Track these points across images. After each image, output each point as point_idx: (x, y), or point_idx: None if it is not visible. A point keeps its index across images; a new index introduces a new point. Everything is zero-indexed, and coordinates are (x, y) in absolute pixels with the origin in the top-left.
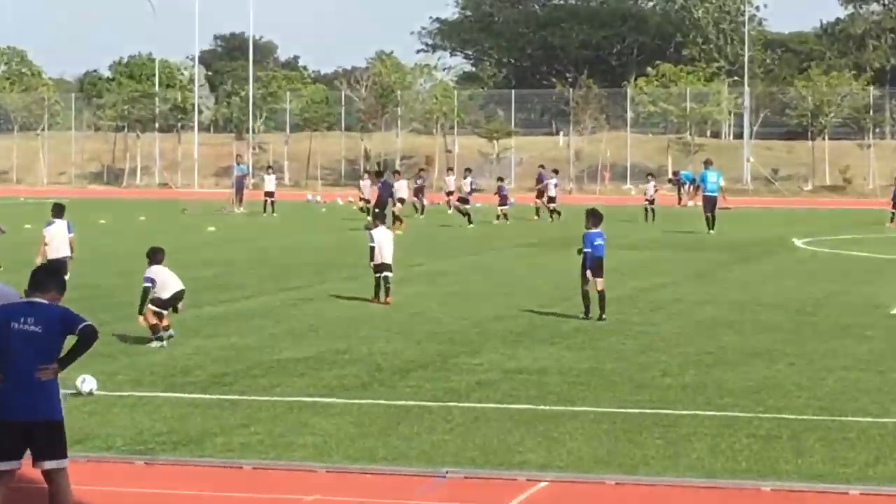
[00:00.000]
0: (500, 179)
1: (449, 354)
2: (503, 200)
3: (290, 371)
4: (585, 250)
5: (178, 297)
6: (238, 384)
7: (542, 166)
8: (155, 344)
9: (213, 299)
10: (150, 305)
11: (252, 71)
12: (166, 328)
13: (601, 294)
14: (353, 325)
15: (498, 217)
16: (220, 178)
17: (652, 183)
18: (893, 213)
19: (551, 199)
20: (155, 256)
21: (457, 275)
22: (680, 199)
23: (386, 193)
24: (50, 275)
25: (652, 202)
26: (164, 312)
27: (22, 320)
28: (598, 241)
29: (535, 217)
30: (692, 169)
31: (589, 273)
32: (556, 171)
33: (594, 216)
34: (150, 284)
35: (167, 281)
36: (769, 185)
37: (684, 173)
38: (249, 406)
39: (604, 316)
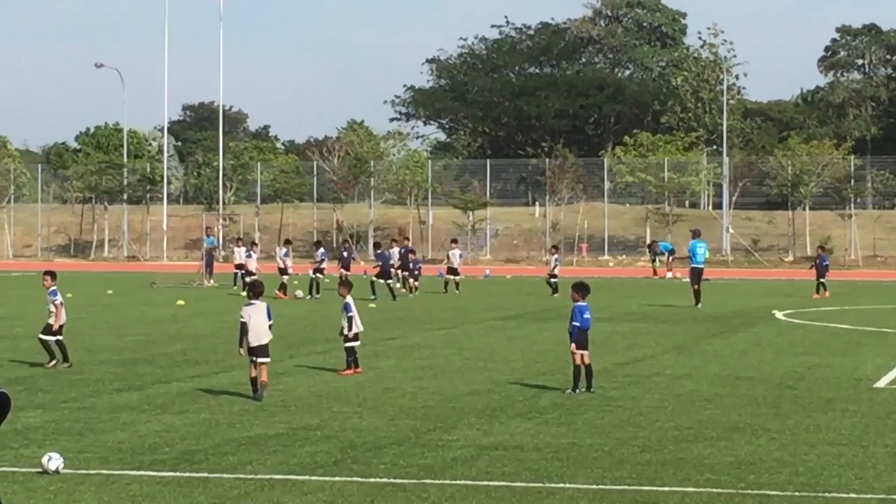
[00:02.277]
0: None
1: (423, 430)
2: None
3: (261, 448)
4: (575, 323)
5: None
6: (208, 461)
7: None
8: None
9: (182, 374)
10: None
11: (222, 141)
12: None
13: (588, 367)
14: (325, 401)
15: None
16: (189, 250)
17: (556, 255)
18: (819, 284)
19: (453, 271)
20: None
21: (431, 348)
22: (655, 270)
23: (386, 264)
24: None
25: (554, 276)
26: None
27: None
28: (587, 314)
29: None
30: (671, 240)
31: (574, 346)
32: (454, 241)
33: (583, 288)
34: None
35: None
36: (749, 256)
37: (663, 244)
38: (220, 484)
39: (592, 388)
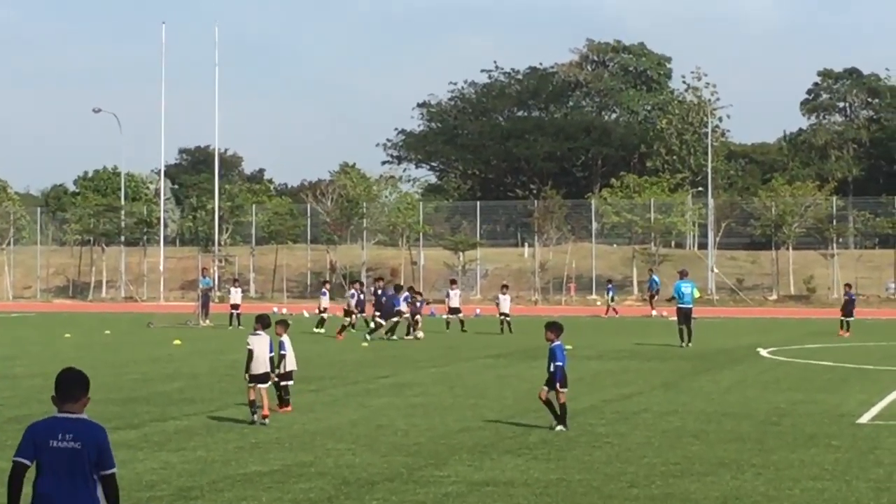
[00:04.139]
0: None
1: (415, 467)
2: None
3: (256, 484)
4: (559, 363)
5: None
6: (204, 498)
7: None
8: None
9: (178, 413)
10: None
11: (217, 184)
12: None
13: (564, 406)
14: (318, 438)
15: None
16: (185, 291)
17: (507, 296)
18: (843, 321)
19: (454, 310)
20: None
21: (423, 386)
22: (610, 309)
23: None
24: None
25: (507, 315)
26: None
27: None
28: (564, 353)
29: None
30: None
31: (559, 385)
32: (454, 282)
33: (558, 328)
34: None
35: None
36: (734, 295)
37: (654, 277)
38: None
39: (566, 427)
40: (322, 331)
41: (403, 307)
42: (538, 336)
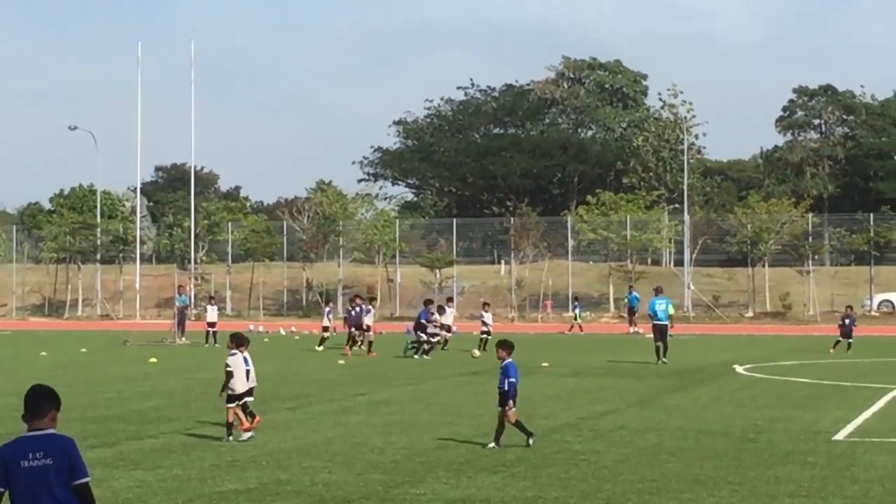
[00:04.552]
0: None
1: (391, 484)
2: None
3: (232, 503)
4: (512, 380)
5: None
6: None
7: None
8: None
9: (154, 431)
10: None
11: (194, 202)
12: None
13: (503, 424)
14: (295, 456)
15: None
16: (161, 308)
17: (489, 313)
18: (840, 341)
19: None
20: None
21: (399, 404)
22: (576, 326)
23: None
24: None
25: (488, 332)
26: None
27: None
28: (517, 371)
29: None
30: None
31: (511, 402)
32: (486, 304)
33: (509, 346)
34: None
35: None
36: (710, 312)
37: (634, 294)
38: None
39: (498, 445)
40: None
41: (369, 320)
42: (520, 354)
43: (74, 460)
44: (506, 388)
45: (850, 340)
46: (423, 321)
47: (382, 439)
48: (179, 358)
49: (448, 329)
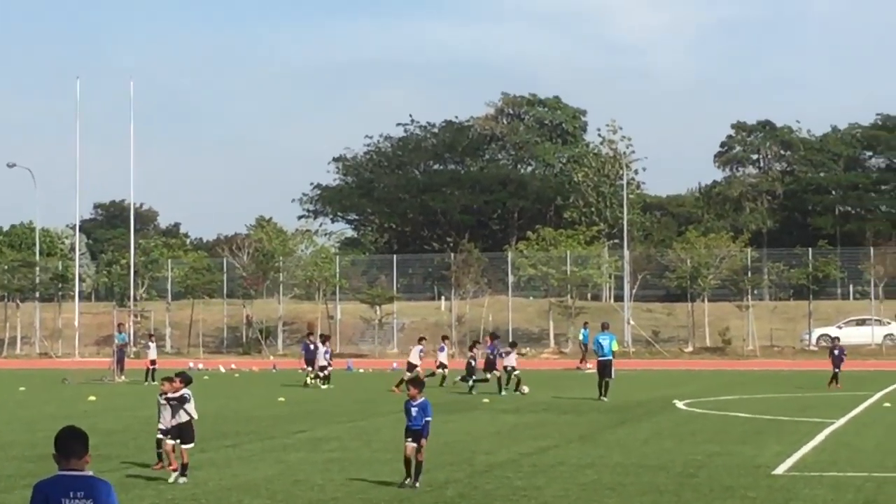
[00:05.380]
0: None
1: None
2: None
3: None
4: (428, 418)
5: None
6: None
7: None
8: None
9: (94, 469)
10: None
11: (133, 239)
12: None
13: (422, 463)
14: (235, 494)
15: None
16: (101, 346)
17: (445, 347)
18: (835, 373)
19: (321, 367)
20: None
21: (339, 440)
22: (583, 359)
23: (309, 354)
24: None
25: (445, 366)
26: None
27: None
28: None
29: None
30: (572, 332)
31: (423, 441)
32: (514, 345)
33: (421, 384)
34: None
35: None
36: (650, 347)
37: (585, 331)
38: None
39: (418, 485)
40: (326, 386)
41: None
42: (450, 390)
43: None
44: (421, 425)
45: (837, 371)
46: (492, 356)
47: (323, 476)
48: (119, 396)
49: (443, 366)
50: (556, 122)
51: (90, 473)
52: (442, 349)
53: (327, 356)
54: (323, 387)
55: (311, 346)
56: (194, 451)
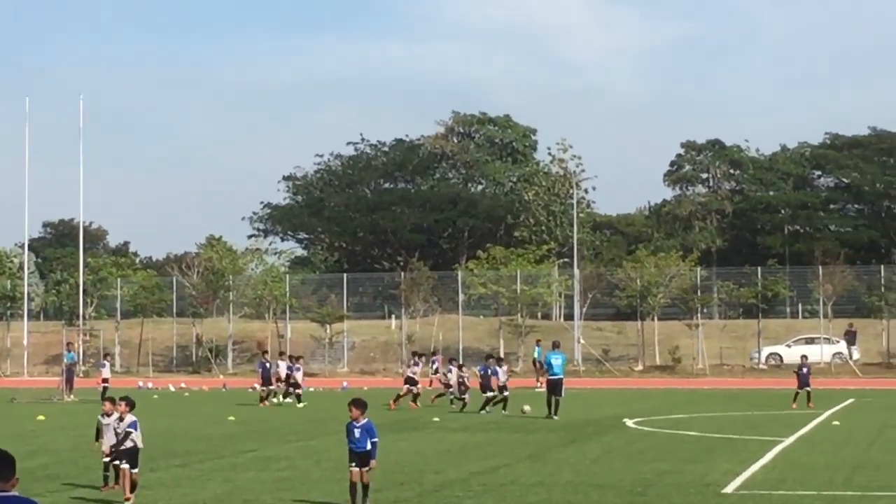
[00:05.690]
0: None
1: None
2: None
3: None
4: (375, 440)
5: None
6: None
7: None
8: None
9: (42, 489)
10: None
11: (82, 258)
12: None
13: (367, 484)
14: None
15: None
16: (50, 365)
17: (419, 365)
18: (799, 392)
19: (295, 385)
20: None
21: (289, 459)
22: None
23: (266, 373)
24: None
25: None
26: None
27: None
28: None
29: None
30: (523, 350)
31: (373, 463)
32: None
33: (363, 405)
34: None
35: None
36: (600, 366)
37: (539, 348)
38: None
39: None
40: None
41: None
42: (408, 410)
43: None
44: (368, 447)
45: (809, 389)
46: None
47: (272, 496)
48: (67, 415)
49: (452, 385)
50: (507, 140)
51: (16, 493)
52: (450, 370)
53: (299, 374)
54: (300, 405)
55: (268, 365)
56: (144, 471)
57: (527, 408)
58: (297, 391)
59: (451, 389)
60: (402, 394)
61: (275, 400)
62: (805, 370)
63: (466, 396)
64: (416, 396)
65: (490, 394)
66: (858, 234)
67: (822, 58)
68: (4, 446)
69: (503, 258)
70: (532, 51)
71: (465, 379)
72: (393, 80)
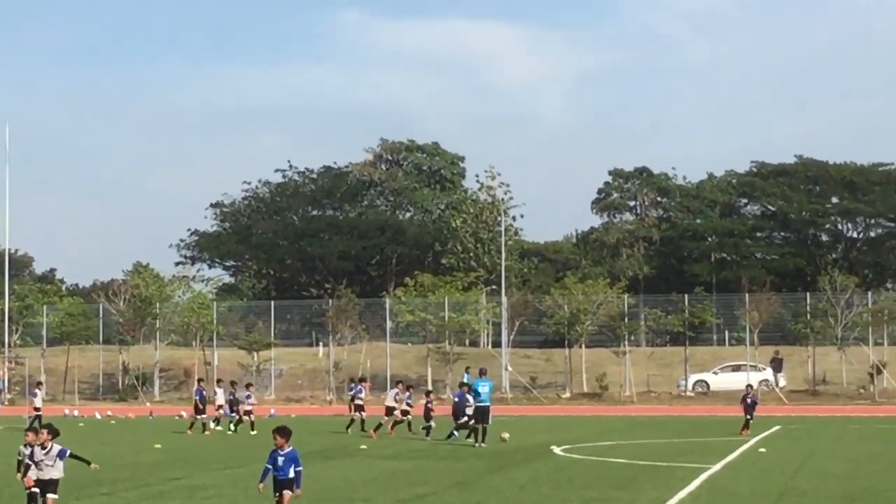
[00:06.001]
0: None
1: None
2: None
3: None
4: (299, 469)
5: None
6: None
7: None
8: None
9: None
10: None
11: (7, 284)
12: None
13: None
14: None
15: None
16: None
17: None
18: (748, 419)
19: (247, 412)
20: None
21: (217, 488)
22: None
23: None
24: None
25: (360, 408)
26: None
27: None
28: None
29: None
30: (451, 377)
31: (298, 492)
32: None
33: (288, 432)
34: None
35: None
36: (528, 394)
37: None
38: None
39: None
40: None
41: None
42: (336, 437)
43: None
44: (291, 475)
45: (749, 417)
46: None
47: None
48: None
49: (431, 414)
50: (435, 168)
51: None
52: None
53: (250, 401)
54: (252, 433)
55: (204, 392)
56: (69, 500)
57: (505, 435)
58: (250, 418)
59: (407, 417)
60: (390, 423)
61: (219, 427)
62: (749, 400)
63: (432, 423)
64: (395, 423)
65: (463, 419)
66: (785, 261)
67: (749, 86)
68: None
69: (431, 285)
70: (461, 78)
71: (430, 404)
72: (321, 107)
